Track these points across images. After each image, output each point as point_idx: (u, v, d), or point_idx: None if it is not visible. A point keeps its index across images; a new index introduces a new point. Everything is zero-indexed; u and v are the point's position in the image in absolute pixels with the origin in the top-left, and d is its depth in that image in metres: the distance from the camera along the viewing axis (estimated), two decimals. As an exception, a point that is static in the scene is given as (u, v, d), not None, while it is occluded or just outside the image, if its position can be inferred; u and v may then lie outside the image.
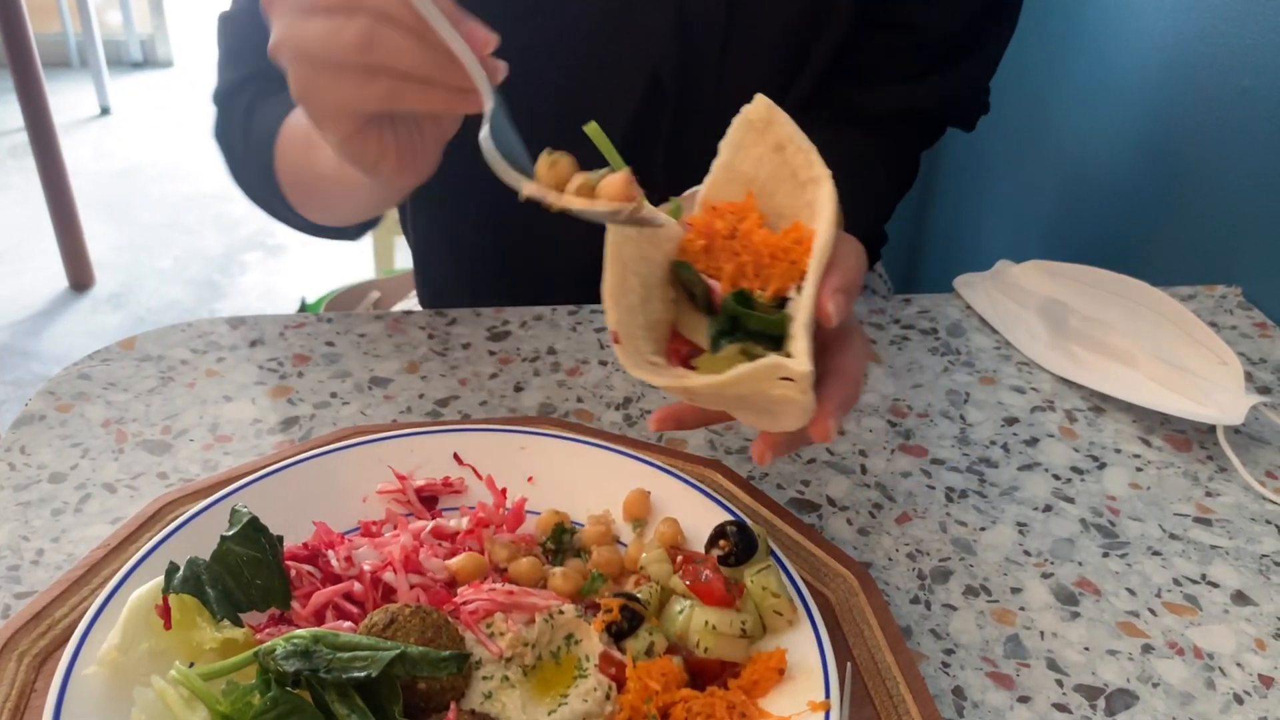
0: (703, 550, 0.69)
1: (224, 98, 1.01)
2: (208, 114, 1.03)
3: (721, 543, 0.68)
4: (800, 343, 0.57)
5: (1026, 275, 1.12)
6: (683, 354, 0.64)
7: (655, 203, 0.62)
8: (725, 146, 0.66)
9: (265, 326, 1.03)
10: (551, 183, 0.60)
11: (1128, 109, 1.44)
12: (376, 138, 0.68)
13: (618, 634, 0.63)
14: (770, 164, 0.64)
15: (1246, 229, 1.19)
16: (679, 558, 0.68)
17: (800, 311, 0.59)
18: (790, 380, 0.56)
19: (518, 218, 1.04)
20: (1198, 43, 1.28)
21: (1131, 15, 1.43)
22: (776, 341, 0.60)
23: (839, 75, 1.04)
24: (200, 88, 4.99)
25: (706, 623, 0.64)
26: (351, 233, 1.05)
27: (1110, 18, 1.49)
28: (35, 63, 3.02)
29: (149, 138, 4.48)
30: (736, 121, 0.65)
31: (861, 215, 0.75)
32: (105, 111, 4.69)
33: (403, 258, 3.03)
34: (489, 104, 0.62)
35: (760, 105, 0.64)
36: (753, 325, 0.61)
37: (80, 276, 3.39)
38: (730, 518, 0.71)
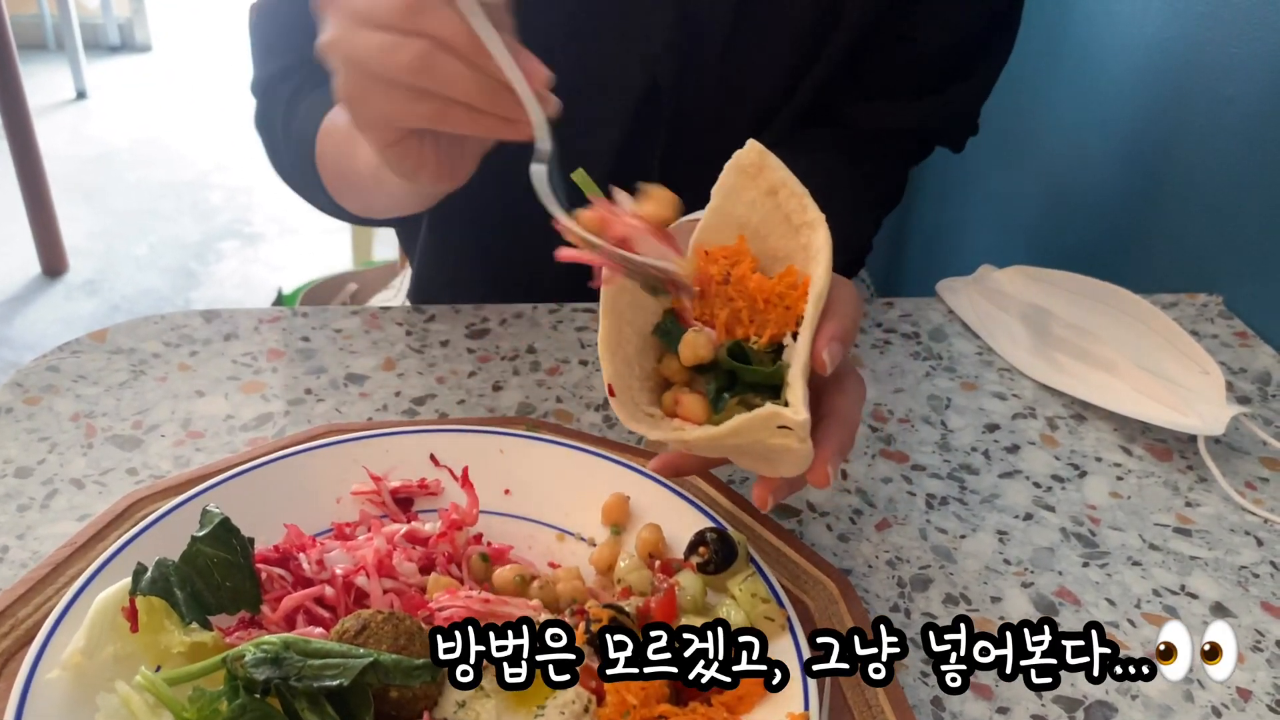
0: (682, 557, 0.69)
1: (264, 89, 1.02)
2: (191, 99, 1.06)
3: (701, 549, 0.67)
4: (796, 391, 0.57)
5: (1009, 280, 1.11)
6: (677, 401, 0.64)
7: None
8: (717, 191, 0.65)
9: (240, 320, 1.01)
10: (594, 229, 0.60)
11: (1112, 116, 1.44)
12: (417, 148, 0.68)
13: (599, 646, 0.62)
14: (763, 208, 0.64)
15: (1229, 238, 1.20)
16: (657, 564, 0.67)
17: (796, 359, 0.59)
18: (788, 429, 0.56)
19: (536, 220, 1.05)
20: (1182, 51, 1.28)
21: (1116, 23, 1.42)
22: (775, 390, 0.60)
23: (835, 90, 1.03)
24: (179, 72, 4.96)
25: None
26: (393, 223, 1.07)
27: (1095, 25, 1.49)
28: (10, 45, 2.98)
29: (126, 123, 4.43)
30: (728, 167, 0.65)
31: (849, 235, 0.76)
32: (81, 95, 4.64)
33: (381, 249, 3.01)
34: (545, 142, 0.62)
35: (752, 150, 0.64)
36: (749, 378, 0.61)
37: (54, 263, 3.35)
38: (710, 524, 0.71)
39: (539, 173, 0.61)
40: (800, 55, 1.00)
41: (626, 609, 0.64)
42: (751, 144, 0.64)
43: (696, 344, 0.61)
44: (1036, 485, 0.88)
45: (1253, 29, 1.16)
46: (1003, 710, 0.69)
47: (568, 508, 0.75)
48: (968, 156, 1.19)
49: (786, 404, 0.57)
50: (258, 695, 0.54)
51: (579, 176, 0.62)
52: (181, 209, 3.80)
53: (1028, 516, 0.85)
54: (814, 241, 0.62)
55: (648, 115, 1.02)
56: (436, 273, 1.21)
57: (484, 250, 1.15)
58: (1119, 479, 0.90)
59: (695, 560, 0.67)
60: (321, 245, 3.62)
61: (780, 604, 0.66)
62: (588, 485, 0.76)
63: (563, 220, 0.61)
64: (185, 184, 3.97)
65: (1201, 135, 1.25)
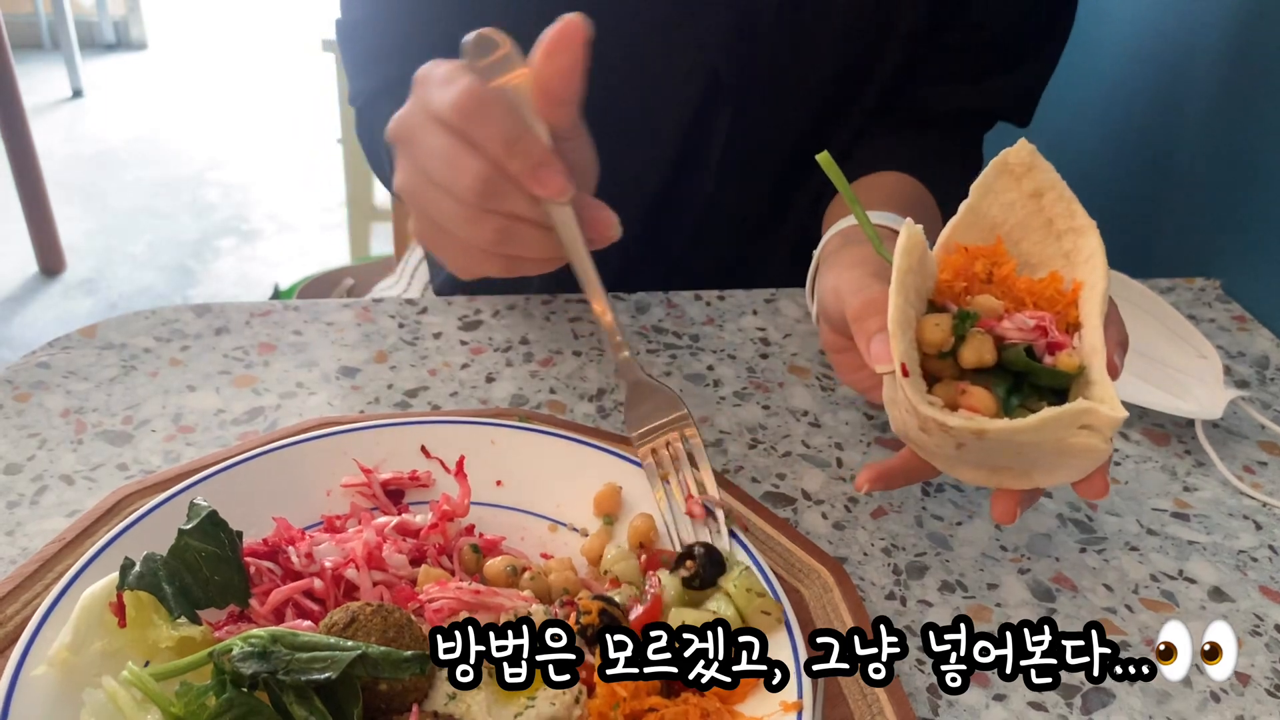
0: (672, 560, 0.67)
1: (363, 105, 1.05)
2: (188, 97, 1.10)
3: (688, 563, 0.66)
4: (1109, 389, 0.56)
5: (1005, 266, 1.11)
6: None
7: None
8: (976, 188, 0.64)
9: (231, 314, 1.00)
10: None
11: (1108, 101, 1.43)
12: (499, 266, 0.70)
13: (592, 638, 0.61)
14: (1023, 210, 0.63)
15: (1226, 222, 1.19)
16: (643, 558, 0.66)
17: (1096, 357, 0.58)
18: (1089, 428, 0.55)
19: None
20: (1177, 34, 1.28)
21: (1113, 6, 1.42)
22: (1059, 394, 0.59)
23: (905, 77, 1.03)
24: (175, 70, 4.95)
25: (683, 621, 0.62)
26: None
27: (1092, 9, 1.48)
28: (5, 44, 2.97)
29: (122, 121, 4.42)
30: (993, 163, 0.64)
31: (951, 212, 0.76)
32: (77, 94, 4.63)
33: (378, 244, 3.01)
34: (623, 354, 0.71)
35: (1023, 150, 0.63)
36: (1044, 381, 0.59)
37: (51, 262, 3.34)
38: (700, 538, 0.70)
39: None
40: (860, 41, 1.00)
41: (617, 599, 0.63)
42: (1023, 143, 0.63)
43: (982, 347, 0.59)
44: (1033, 471, 0.88)
45: (1250, 12, 1.15)
46: (999, 697, 0.68)
47: (559, 498, 0.75)
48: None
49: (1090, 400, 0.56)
50: (245, 689, 0.54)
51: (824, 160, 0.64)
52: (178, 207, 3.80)
53: (1024, 503, 0.84)
54: (1082, 246, 0.61)
55: (709, 108, 1.02)
56: None
57: None
58: (1116, 464, 0.89)
59: (681, 574, 0.66)
60: (319, 241, 3.62)
61: (776, 598, 0.65)
62: (580, 476, 0.75)
63: None
64: (182, 182, 3.96)
65: (1197, 118, 1.24)
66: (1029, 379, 0.59)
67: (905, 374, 0.58)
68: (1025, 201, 0.63)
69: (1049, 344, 0.59)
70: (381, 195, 2.81)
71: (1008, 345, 0.59)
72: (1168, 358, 0.97)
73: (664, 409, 0.74)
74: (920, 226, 0.60)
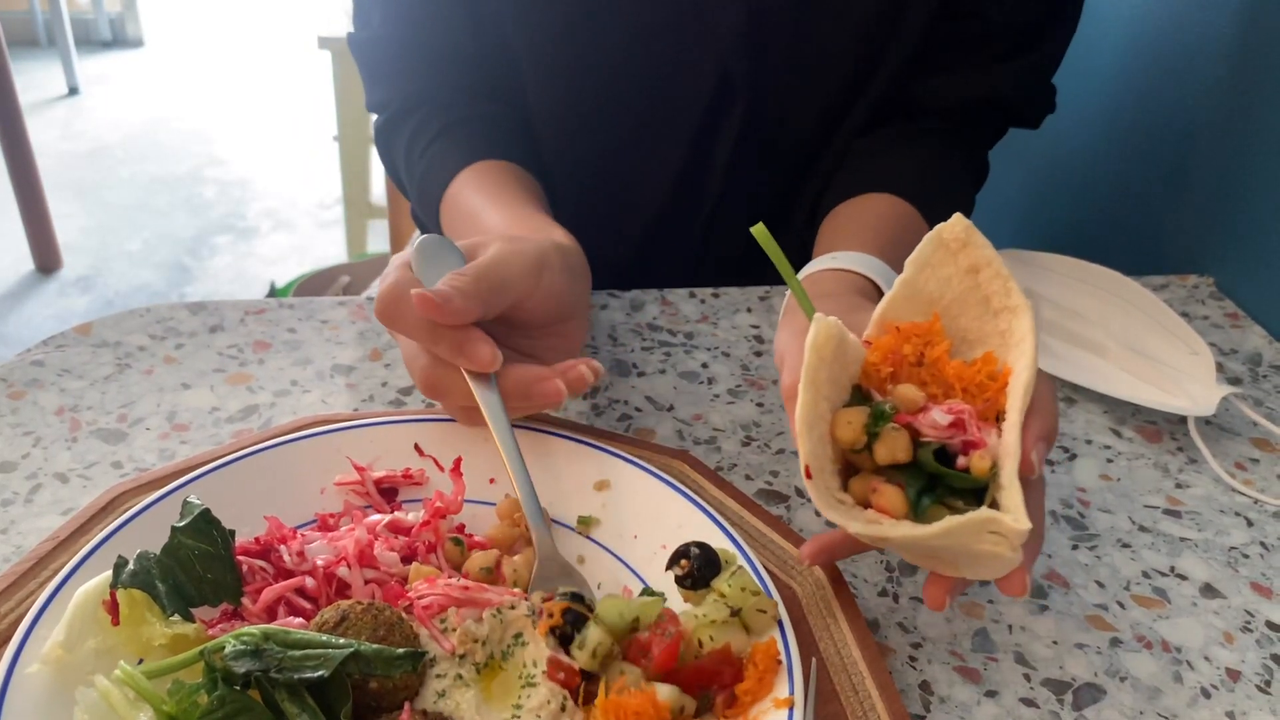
0: (664, 568, 0.67)
1: (383, 125, 1.09)
2: (184, 94, 1.12)
3: (682, 563, 0.65)
4: (1015, 496, 0.54)
5: (999, 264, 1.11)
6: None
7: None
8: (911, 263, 0.63)
9: (226, 312, 1.00)
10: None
11: (1102, 98, 1.43)
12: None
13: (564, 638, 0.61)
14: (960, 286, 0.62)
15: (1219, 219, 1.19)
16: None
17: (1007, 459, 0.56)
18: (998, 535, 0.53)
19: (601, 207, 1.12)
20: (1172, 32, 1.28)
21: (1105, 4, 1.42)
22: (976, 494, 0.57)
23: (906, 73, 1.03)
24: (171, 67, 4.94)
25: (697, 616, 0.62)
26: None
27: (1089, 8, 1.48)
28: (0, 41, 2.97)
29: (118, 118, 4.42)
30: (928, 238, 0.63)
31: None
32: (73, 91, 4.63)
33: (375, 242, 3.01)
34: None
35: (957, 225, 0.62)
36: (957, 484, 0.58)
37: (47, 259, 3.34)
38: (697, 535, 0.69)
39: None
40: (870, 40, 1.00)
41: (584, 595, 0.63)
42: (958, 217, 0.62)
43: (895, 445, 0.57)
44: (1026, 468, 0.88)
45: (1243, 10, 1.15)
46: (991, 694, 0.68)
47: (552, 495, 0.75)
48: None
49: (995, 506, 0.55)
50: (237, 687, 0.54)
51: (759, 232, 0.61)
52: (175, 204, 3.80)
53: (1017, 500, 0.85)
54: (1016, 328, 0.60)
55: (720, 106, 1.03)
56: None
57: None
58: (1109, 461, 0.89)
59: (675, 573, 0.65)
60: (315, 238, 3.62)
61: (770, 596, 0.65)
62: (572, 472, 0.76)
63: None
64: (178, 179, 3.96)
65: (1191, 116, 1.24)
66: (942, 480, 0.58)
67: (809, 475, 0.57)
68: (962, 277, 0.62)
69: (965, 443, 0.58)
70: (378, 192, 2.82)
71: (923, 443, 0.58)
72: (1160, 354, 0.97)
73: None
74: (834, 319, 0.59)
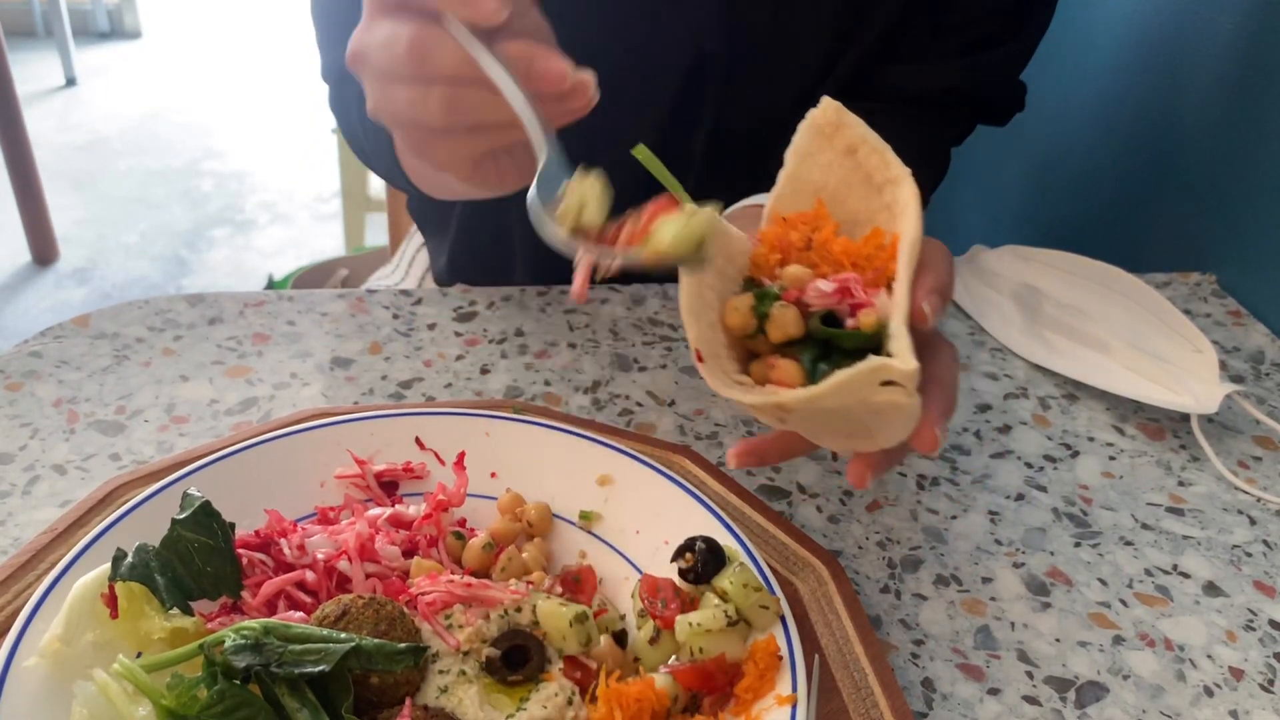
0: (667, 560, 0.67)
1: (335, 78, 1.03)
2: (182, 86, 1.07)
3: (687, 555, 0.65)
4: (902, 340, 0.53)
5: (1001, 260, 1.11)
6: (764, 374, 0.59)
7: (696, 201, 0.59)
8: (791, 155, 0.63)
9: (224, 304, 1.00)
10: (577, 223, 0.57)
11: (1104, 95, 1.43)
12: (495, 168, 0.68)
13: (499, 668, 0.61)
14: (841, 169, 0.61)
15: (1222, 217, 1.19)
16: (640, 579, 0.65)
17: (895, 311, 0.55)
18: (894, 385, 0.52)
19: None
20: (1174, 29, 1.27)
21: (1110, 2, 1.41)
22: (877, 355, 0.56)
23: (876, 56, 1.02)
24: (169, 59, 4.92)
25: (690, 625, 0.62)
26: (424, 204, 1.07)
27: (1088, 5, 1.47)
28: (-2, 32, 2.96)
29: (116, 110, 4.40)
30: (802, 127, 0.62)
31: None
32: (71, 83, 4.60)
33: (373, 235, 3.00)
34: (541, 159, 0.59)
35: (828, 109, 0.61)
36: (847, 344, 0.56)
37: (44, 251, 3.33)
38: (698, 508, 0.70)
39: (534, 198, 0.59)
40: (847, 21, 0.99)
41: (529, 629, 0.62)
42: (827, 101, 0.61)
43: (785, 320, 0.57)
44: (1028, 465, 0.88)
45: (1245, 6, 1.14)
46: (994, 691, 0.68)
47: (554, 490, 0.74)
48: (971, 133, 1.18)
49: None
50: (237, 681, 0.53)
51: (642, 153, 0.60)
52: (172, 196, 3.78)
53: (1019, 497, 0.84)
54: (899, 197, 0.59)
55: (695, 87, 1.01)
56: (468, 253, 1.21)
57: (522, 228, 1.15)
58: (1111, 459, 0.89)
59: (680, 566, 0.65)
60: (313, 231, 3.61)
61: (772, 592, 0.65)
62: (574, 467, 0.75)
63: (560, 244, 0.58)
64: (176, 171, 3.95)
65: (1193, 113, 1.24)
66: (837, 345, 0.57)
67: (700, 359, 0.57)
68: (841, 159, 0.61)
69: (852, 305, 0.57)
70: (376, 185, 2.80)
71: (811, 314, 0.58)
72: (1163, 352, 0.97)
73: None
74: (710, 209, 0.58)
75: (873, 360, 0.52)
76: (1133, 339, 0.98)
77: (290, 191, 3.85)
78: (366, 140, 1.01)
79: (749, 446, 0.66)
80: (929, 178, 1.13)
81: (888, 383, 0.52)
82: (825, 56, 1.01)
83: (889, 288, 0.57)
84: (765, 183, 1.14)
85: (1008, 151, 1.74)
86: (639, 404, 0.91)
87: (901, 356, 0.52)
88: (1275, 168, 1.10)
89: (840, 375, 0.52)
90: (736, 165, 1.09)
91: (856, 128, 0.61)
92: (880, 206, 0.60)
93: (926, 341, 0.60)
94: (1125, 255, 1.16)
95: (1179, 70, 1.27)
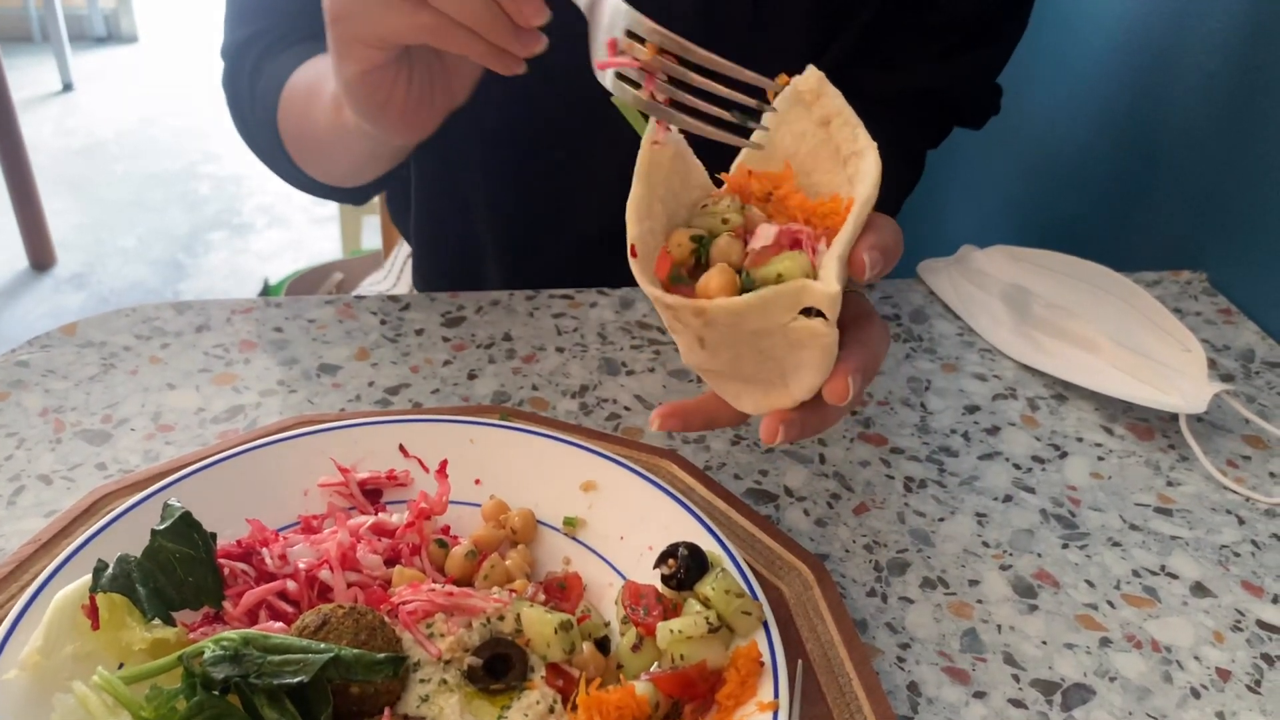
0: (651, 565, 0.67)
1: (233, 53, 1.03)
2: (178, 90, 1.07)
3: (670, 561, 0.65)
4: (829, 268, 0.54)
5: (991, 260, 1.10)
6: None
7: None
8: (768, 117, 0.63)
9: (212, 311, 1.00)
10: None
11: (1094, 93, 1.43)
12: (390, 80, 0.67)
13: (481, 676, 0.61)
14: (813, 140, 0.62)
15: (1212, 215, 1.19)
16: (623, 586, 0.65)
17: (835, 245, 0.55)
18: (814, 317, 0.53)
19: (522, 202, 1.08)
20: (1164, 27, 1.27)
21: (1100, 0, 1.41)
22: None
23: (856, 57, 1.02)
24: (165, 63, 4.93)
25: (671, 631, 0.61)
26: (354, 195, 1.04)
27: (1077, 1, 1.47)
28: (-8, 37, 2.96)
29: (112, 114, 4.40)
30: (785, 92, 0.62)
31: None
32: (67, 88, 4.61)
33: (370, 238, 3.00)
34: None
35: (811, 77, 0.62)
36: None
37: (41, 256, 3.33)
38: (682, 512, 0.69)
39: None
40: (824, 22, 0.99)
41: (512, 637, 0.62)
42: (811, 70, 0.62)
43: (728, 251, 0.58)
44: (1016, 467, 0.88)
45: (1234, 4, 1.14)
46: (979, 695, 0.68)
47: (538, 496, 0.74)
48: (949, 136, 1.18)
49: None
50: (216, 693, 0.53)
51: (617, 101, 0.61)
52: (169, 200, 3.78)
53: (1007, 498, 0.84)
54: (861, 167, 0.59)
55: None
56: (435, 267, 1.21)
57: (492, 237, 1.14)
58: (1100, 459, 0.89)
59: (662, 572, 0.65)
60: (310, 235, 3.61)
61: (754, 597, 0.65)
62: (558, 473, 0.75)
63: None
64: (173, 175, 3.95)
65: (1184, 111, 1.23)
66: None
67: (634, 254, 0.57)
68: (815, 130, 0.62)
69: (793, 243, 0.58)
70: (372, 189, 2.80)
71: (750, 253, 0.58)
72: (1152, 351, 0.97)
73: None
74: (675, 130, 0.59)
75: (796, 280, 0.53)
76: (1122, 338, 0.98)
77: (287, 194, 3.85)
78: (253, 112, 0.99)
79: (673, 409, 0.66)
80: (903, 180, 1.12)
81: (808, 311, 0.53)
82: (802, 58, 1.01)
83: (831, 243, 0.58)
84: None
85: (997, 151, 1.73)
86: (627, 408, 0.90)
87: (825, 279, 0.54)
88: (1266, 164, 1.10)
89: (764, 291, 0.54)
90: (714, 159, 1.09)
91: (835, 99, 0.61)
92: (843, 180, 0.61)
93: (860, 314, 0.61)
94: (1116, 254, 1.16)
95: (1169, 69, 1.26)
